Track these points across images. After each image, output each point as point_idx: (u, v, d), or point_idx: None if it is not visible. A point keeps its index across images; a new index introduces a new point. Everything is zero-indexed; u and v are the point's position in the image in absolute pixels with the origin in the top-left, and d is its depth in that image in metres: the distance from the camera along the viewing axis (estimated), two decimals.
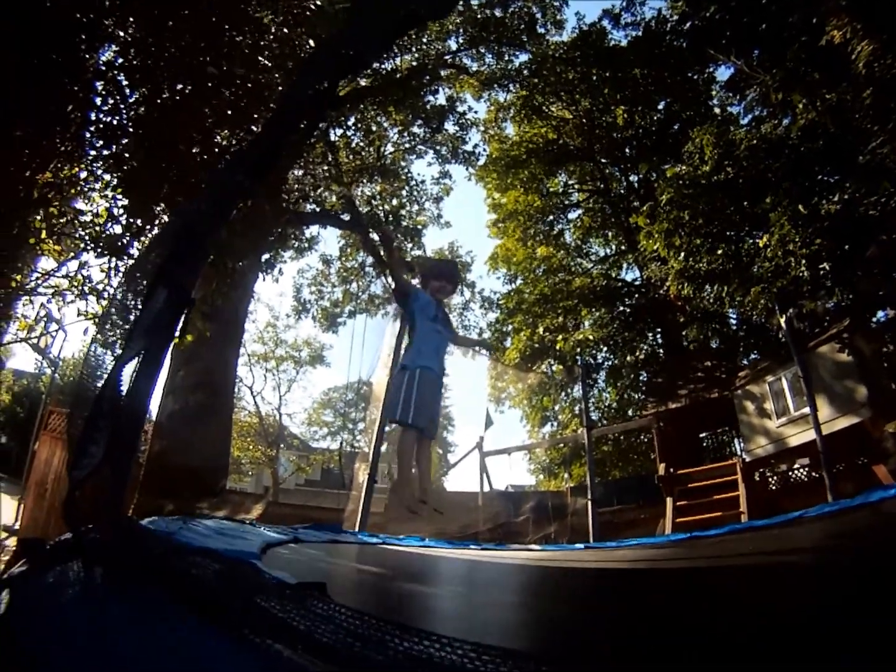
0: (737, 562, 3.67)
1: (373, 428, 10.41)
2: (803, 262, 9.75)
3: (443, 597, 3.03)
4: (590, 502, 12.00)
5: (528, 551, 8.07)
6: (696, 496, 11.66)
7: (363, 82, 16.45)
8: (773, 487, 11.65)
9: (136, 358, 2.49)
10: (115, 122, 6.71)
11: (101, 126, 6.65)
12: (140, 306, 2.70)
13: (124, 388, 2.39)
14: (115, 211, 7.65)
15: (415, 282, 4.81)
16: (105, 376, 2.48)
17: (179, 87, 7.24)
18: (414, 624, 1.22)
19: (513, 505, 17.23)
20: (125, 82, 6.65)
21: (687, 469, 12.38)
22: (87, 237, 7.79)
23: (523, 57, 19.61)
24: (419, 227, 22.91)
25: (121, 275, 7.67)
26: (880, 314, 10.26)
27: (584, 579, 4.20)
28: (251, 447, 28.02)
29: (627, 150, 20.58)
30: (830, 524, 5.47)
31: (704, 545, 6.18)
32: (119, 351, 2.67)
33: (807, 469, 10.81)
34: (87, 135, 6.72)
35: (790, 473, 11.28)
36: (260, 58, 8.68)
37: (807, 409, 9.30)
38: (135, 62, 6.57)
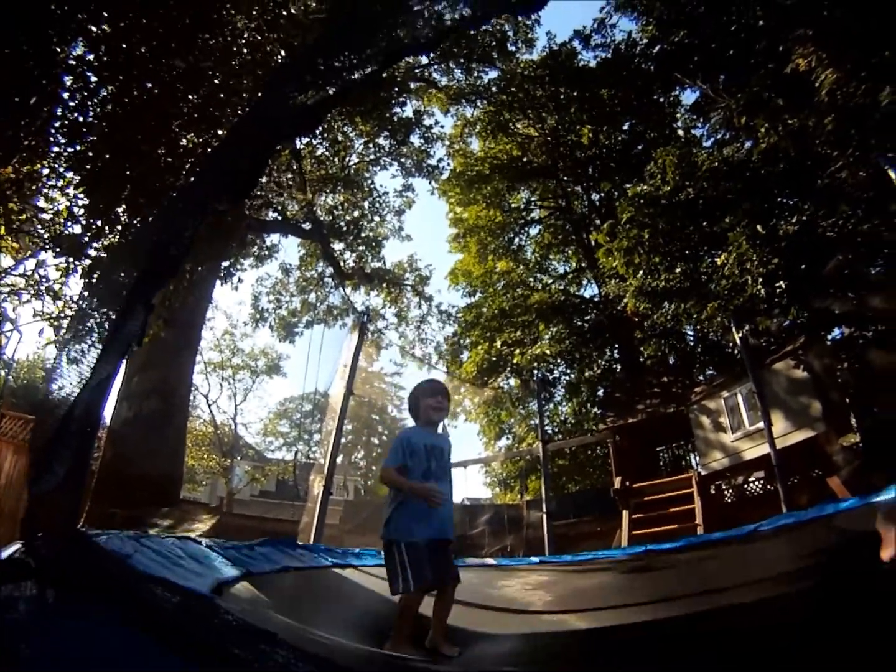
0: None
1: (328, 439, 10.25)
2: (760, 280, 10.02)
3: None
4: (545, 515, 12.06)
5: (484, 566, 8.08)
6: (652, 509, 11.80)
7: (330, 91, 16.36)
8: (729, 500, 11.87)
9: (108, 377, 2.42)
10: (81, 119, 6.53)
11: (67, 122, 6.46)
12: (113, 323, 2.62)
13: (98, 409, 2.33)
14: (76, 210, 7.45)
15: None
16: (73, 393, 2.40)
17: (149, 86, 7.10)
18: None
19: (469, 518, 17.17)
20: (94, 79, 6.48)
21: (643, 482, 12.53)
22: (45, 236, 7.56)
23: (493, 73, 19.93)
24: (380, 238, 22.92)
25: (82, 281, 7.49)
26: (836, 332, 10.60)
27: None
28: (206, 456, 27.47)
29: (591, 169, 20.93)
30: (785, 538, 5.63)
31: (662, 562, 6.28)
32: (83, 364, 2.59)
33: (762, 482, 11.05)
34: (52, 130, 6.52)
35: (745, 486, 11.51)
36: (231, 62, 8.59)
37: (762, 424, 9.51)
38: (105, 59, 6.40)
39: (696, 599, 3.66)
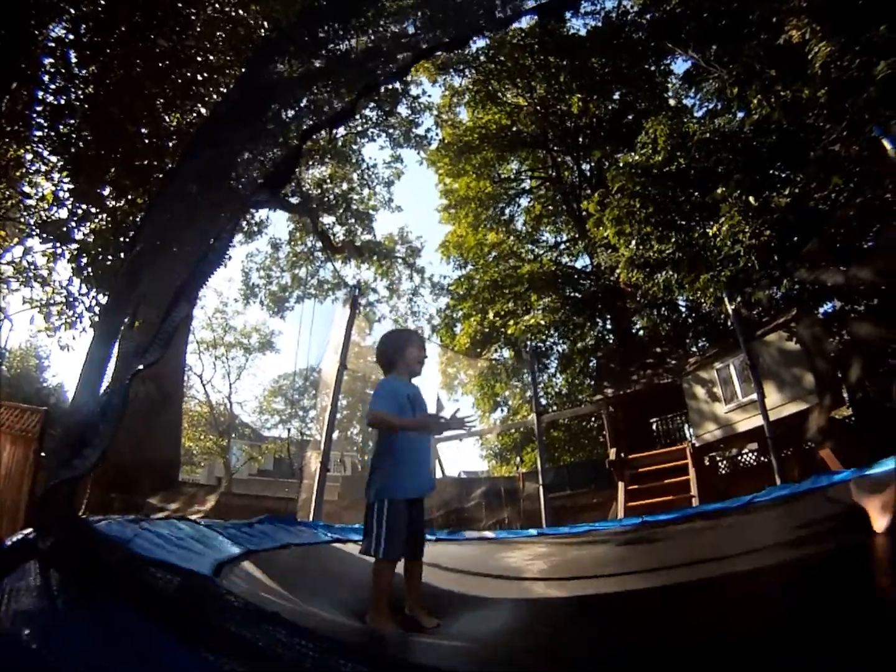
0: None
1: (324, 416, 10.25)
2: (752, 252, 10.01)
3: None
4: (541, 487, 12.14)
5: (482, 539, 8.17)
6: (648, 480, 11.91)
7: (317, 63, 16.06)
8: (723, 471, 12.01)
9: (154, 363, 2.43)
10: (62, 102, 6.39)
11: (49, 105, 6.32)
12: (159, 317, 2.66)
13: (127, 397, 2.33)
14: (61, 194, 7.35)
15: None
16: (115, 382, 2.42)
17: (130, 65, 6.95)
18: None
19: (466, 491, 17.31)
20: (74, 59, 6.33)
21: (638, 454, 12.63)
22: (31, 222, 7.47)
23: (481, 42, 19.52)
24: (370, 211, 22.75)
25: (70, 266, 7.42)
26: (828, 305, 10.64)
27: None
28: (202, 437, 27.46)
29: (581, 139, 20.72)
30: (781, 509, 5.69)
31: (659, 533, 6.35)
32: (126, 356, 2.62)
33: (755, 454, 11.18)
34: (34, 114, 6.38)
35: (739, 458, 11.64)
36: (213, 37, 8.41)
37: (755, 396, 9.56)
38: (84, 39, 6.23)
39: (692, 568, 3.70)
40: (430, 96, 28.99)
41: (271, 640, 1.31)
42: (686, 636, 2.06)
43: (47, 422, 6.37)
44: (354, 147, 20.79)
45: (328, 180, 20.92)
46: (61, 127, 6.55)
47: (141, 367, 2.32)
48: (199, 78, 8.23)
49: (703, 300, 11.76)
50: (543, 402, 19.71)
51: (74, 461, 1.85)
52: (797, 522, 4.62)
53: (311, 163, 19.29)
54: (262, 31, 9.16)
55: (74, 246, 7.59)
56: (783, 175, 10.82)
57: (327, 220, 21.69)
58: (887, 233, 8.34)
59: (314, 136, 18.02)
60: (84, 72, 6.51)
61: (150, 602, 1.44)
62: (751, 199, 10.07)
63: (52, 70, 6.16)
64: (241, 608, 1.54)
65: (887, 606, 1.85)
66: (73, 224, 7.55)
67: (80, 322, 7.92)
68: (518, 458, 19.99)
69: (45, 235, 7.33)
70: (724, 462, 12.28)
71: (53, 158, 7.07)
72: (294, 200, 19.09)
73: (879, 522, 2.61)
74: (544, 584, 4.19)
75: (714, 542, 4.98)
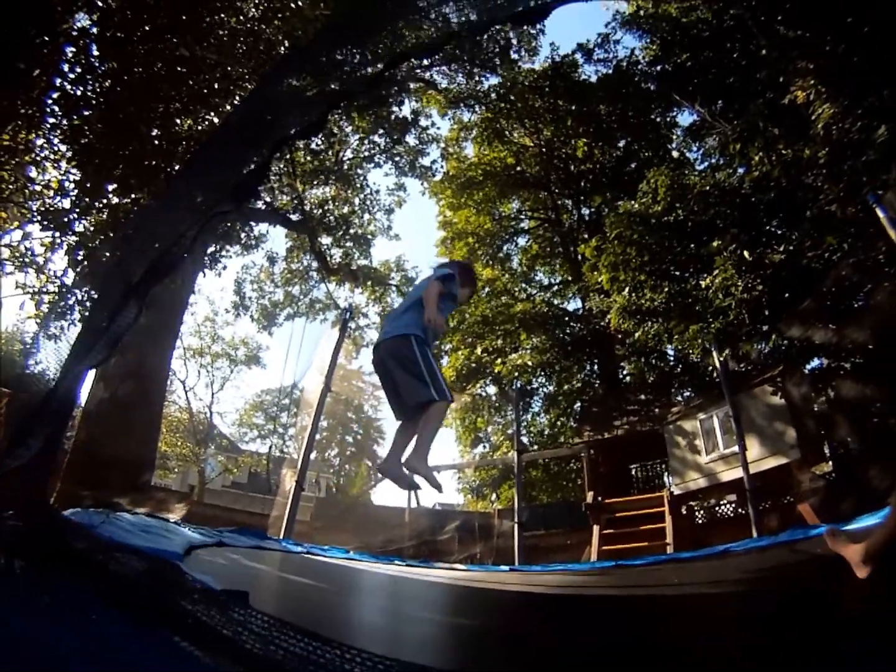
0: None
1: (303, 435, 10.19)
2: (743, 306, 10.15)
3: (365, 610, 2.97)
4: (516, 525, 12.05)
5: (452, 570, 8.06)
6: (623, 525, 11.83)
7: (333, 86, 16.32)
8: (700, 521, 11.97)
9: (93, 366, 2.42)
10: (79, 92, 6.44)
11: (66, 94, 6.37)
12: (105, 315, 2.64)
13: (77, 393, 2.33)
14: (67, 185, 7.37)
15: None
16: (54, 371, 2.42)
17: (150, 66, 7.04)
18: (334, 637, 1.24)
19: (439, 523, 17.12)
20: (96, 52, 6.40)
21: (615, 498, 12.58)
22: (34, 208, 7.47)
23: (493, 80, 19.92)
24: (368, 236, 22.85)
25: (66, 257, 7.41)
26: (816, 362, 10.76)
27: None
28: (179, 443, 27.11)
29: (582, 183, 21.04)
30: (756, 560, 5.66)
31: (630, 574, 6.30)
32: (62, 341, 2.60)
33: (733, 505, 11.16)
34: (50, 101, 6.42)
35: (717, 508, 11.61)
36: (233, 48, 8.54)
37: (736, 448, 9.60)
38: (108, 33, 6.32)
39: (660, 613, 3.65)
40: (438, 128, 29.48)
41: (239, 625, 1.29)
42: None
43: (12, 406, 6.24)
44: (360, 171, 20.97)
45: (330, 201, 21.04)
46: (75, 117, 6.60)
47: (84, 367, 2.32)
48: (216, 87, 8.35)
49: (691, 351, 11.86)
50: (525, 440, 19.65)
51: (18, 450, 1.85)
52: (772, 573, 4.62)
53: (315, 182, 19.43)
54: (282, 48, 9.34)
55: (74, 238, 7.60)
56: (779, 232, 11.04)
57: (326, 240, 21.74)
58: (879, 293, 8.51)
59: (319, 156, 18.30)
60: (104, 66, 6.58)
61: (114, 588, 1.42)
62: (745, 253, 10.24)
63: (73, 60, 6.23)
64: (208, 593, 1.52)
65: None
66: (75, 216, 7.57)
67: (70, 315, 7.87)
68: (494, 495, 19.84)
69: (45, 223, 7.33)
70: (702, 511, 12.25)
71: (63, 147, 7.10)
72: (295, 217, 19.18)
73: (861, 571, 2.60)
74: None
75: (685, 587, 4.95)
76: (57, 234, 7.45)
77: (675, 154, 17.93)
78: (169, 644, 1.19)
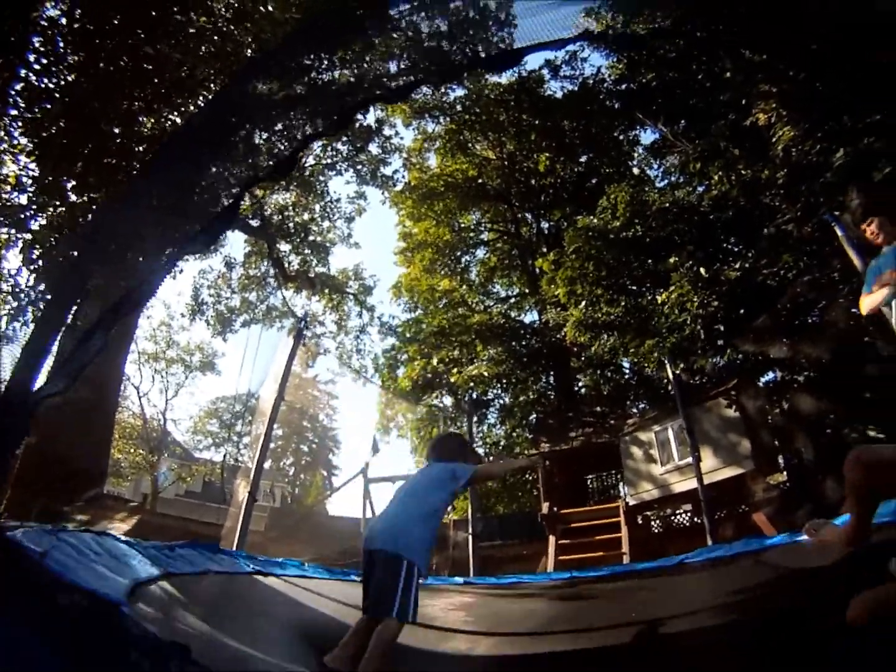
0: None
1: (257, 443, 9.99)
2: (699, 321, 10.40)
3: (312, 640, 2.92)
4: (471, 536, 12.03)
5: None
6: (579, 536, 11.89)
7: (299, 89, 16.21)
8: (656, 531, 12.14)
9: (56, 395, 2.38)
10: (44, 85, 6.27)
11: (30, 85, 6.19)
12: (72, 344, 2.59)
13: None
14: (24, 180, 7.15)
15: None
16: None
17: (116, 61, 6.90)
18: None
19: None
20: (62, 45, 6.24)
21: (571, 509, 12.68)
22: None
23: (459, 91, 20.05)
24: (327, 244, 22.72)
25: (21, 255, 7.19)
26: (770, 375, 11.05)
27: None
28: (132, 450, 26.30)
29: (543, 197, 21.33)
30: (712, 571, 5.77)
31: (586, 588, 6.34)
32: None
33: (689, 514, 11.36)
34: (13, 92, 6.23)
35: (673, 518, 11.80)
36: (200, 47, 8.44)
37: (691, 459, 9.79)
38: (77, 25, 6.17)
39: (620, 631, 3.63)
40: (402, 138, 29.48)
41: None
42: None
43: None
44: (321, 178, 20.83)
45: (290, 208, 20.86)
46: (37, 110, 6.42)
47: (41, 396, 2.28)
48: (180, 87, 8.23)
49: (646, 364, 12.08)
50: (481, 451, 19.64)
51: None
52: (729, 585, 4.70)
53: (276, 188, 19.21)
54: (249, 50, 9.25)
55: (28, 236, 7.36)
56: (735, 249, 11.36)
57: (284, 247, 21.55)
58: (833, 310, 8.82)
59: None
60: (70, 59, 6.42)
61: (53, 627, 1.39)
62: (702, 270, 10.51)
63: (40, 50, 6.05)
64: (150, 639, 1.49)
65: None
66: (32, 212, 7.34)
67: (23, 316, 7.61)
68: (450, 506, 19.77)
69: (1, 219, 7.10)
70: (658, 521, 12.44)
71: (24, 141, 6.89)
72: (254, 223, 18.94)
73: (846, 548, 2.70)
74: (465, 638, 4.01)
75: (643, 602, 4.98)
76: (12, 231, 7.22)
77: (635, 171, 18.32)
78: None
